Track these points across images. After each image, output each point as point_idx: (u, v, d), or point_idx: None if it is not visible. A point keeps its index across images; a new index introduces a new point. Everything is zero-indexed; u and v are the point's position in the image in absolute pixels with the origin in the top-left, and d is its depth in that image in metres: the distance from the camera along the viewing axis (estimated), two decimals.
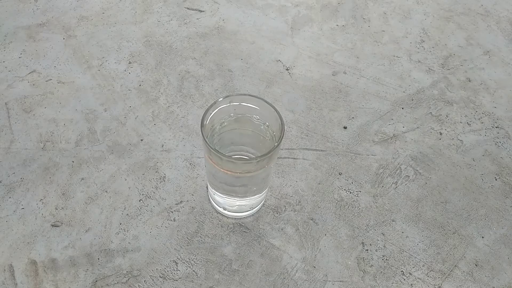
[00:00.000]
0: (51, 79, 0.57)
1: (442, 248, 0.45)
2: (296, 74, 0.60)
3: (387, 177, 0.50)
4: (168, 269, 0.42)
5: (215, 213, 0.46)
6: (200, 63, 0.60)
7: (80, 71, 0.58)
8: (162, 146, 0.51)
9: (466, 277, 0.43)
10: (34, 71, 0.58)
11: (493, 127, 0.56)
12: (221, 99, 0.38)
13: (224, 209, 0.45)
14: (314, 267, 0.43)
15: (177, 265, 0.42)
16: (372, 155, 0.52)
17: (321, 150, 0.52)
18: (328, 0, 0.71)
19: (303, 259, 0.43)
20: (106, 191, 0.47)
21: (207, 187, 0.47)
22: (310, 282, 0.42)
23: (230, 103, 0.39)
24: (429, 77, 0.61)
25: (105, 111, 0.54)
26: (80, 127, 0.52)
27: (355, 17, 0.69)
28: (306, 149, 0.52)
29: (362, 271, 0.43)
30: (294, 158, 0.51)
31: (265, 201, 0.47)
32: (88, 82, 0.57)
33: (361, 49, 0.64)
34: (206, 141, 0.36)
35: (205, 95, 0.56)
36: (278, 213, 0.46)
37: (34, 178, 0.48)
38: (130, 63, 0.60)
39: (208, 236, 0.44)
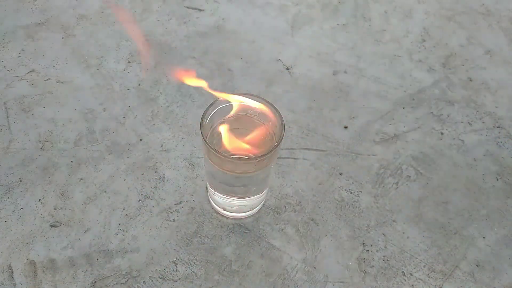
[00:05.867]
0: (50, 79, 0.57)
1: (443, 249, 0.45)
2: (296, 74, 0.60)
3: (388, 177, 0.50)
4: (168, 270, 0.42)
5: (215, 214, 0.46)
6: (200, 62, 0.60)
7: (79, 71, 0.58)
8: (162, 146, 0.51)
9: (467, 278, 0.43)
10: (32, 70, 0.57)
11: (494, 127, 0.56)
12: (221, 98, 0.38)
13: (224, 209, 0.44)
14: (315, 267, 0.43)
15: (176, 266, 0.42)
16: (373, 155, 0.52)
17: (322, 150, 0.51)
18: None
19: (304, 259, 0.43)
20: (105, 191, 0.47)
21: (206, 187, 0.47)
22: (311, 283, 0.42)
23: (230, 102, 0.38)
24: (430, 76, 0.61)
25: (104, 110, 0.54)
26: (79, 126, 0.52)
27: (355, 16, 0.68)
28: (307, 149, 0.51)
29: (363, 272, 0.43)
30: (294, 158, 0.51)
31: (265, 202, 0.47)
32: (87, 81, 0.57)
33: (362, 48, 0.64)
34: (205, 141, 0.35)
35: (205, 94, 0.56)
36: (278, 214, 0.46)
37: (33, 178, 0.47)
38: (129, 62, 0.59)
39: (207, 237, 0.44)
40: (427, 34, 0.67)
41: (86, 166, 0.49)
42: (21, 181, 0.47)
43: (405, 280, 0.43)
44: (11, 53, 0.59)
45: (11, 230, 0.44)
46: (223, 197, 0.42)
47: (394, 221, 0.46)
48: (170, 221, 0.45)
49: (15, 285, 0.40)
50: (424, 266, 0.43)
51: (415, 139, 0.54)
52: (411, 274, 0.43)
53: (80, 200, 0.46)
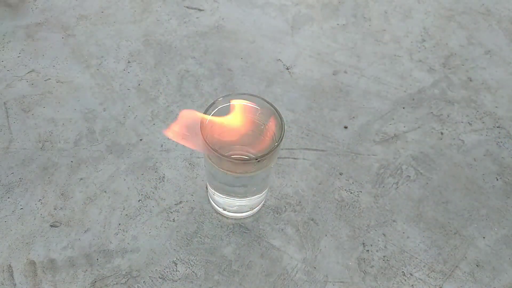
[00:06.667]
0: (50, 79, 0.57)
1: (443, 249, 0.45)
2: (296, 74, 0.60)
3: (388, 177, 0.50)
4: (168, 270, 0.42)
5: (215, 214, 0.46)
6: (200, 62, 0.60)
7: (79, 71, 0.58)
8: (162, 146, 0.51)
9: (467, 278, 0.43)
10: (32, 70, 0.57)
11: (494, 127, 0.56)
12: (220, 98, 0.38)
13: (224, 209, 0.44)
14: (315, 267, 0.43)
15: (176, 266, 0.42)
16: (373, 155, 0.52)
17: (322, 150, 0.51)
18: None
19: (304, 259, 0.43)
20: (105, 191, 0.47)
21: (206, 188, 0.47)
22: (311, 283, 0.42)
23: (230, 102, 0.38)
24: (430, 76, 0.61)
25: (104, 110, 0.54)
26: (79, 126, 0.52)
27: (355, 16, 0.68)
28: (307, 149, 0.51)
29: (363, 272, 0.43)
30: (294, 158, 0.51)
31: (265, 202, 0.47)
32: (87, 81, 0.57)
33: (362, 48, 0.64)
34: (205, 141, 0.35)
35: (205, 94, 0.56)
36: (278, 214, 0.46)
37: (33, 178, 0.47)
38: (129, 62, 0.59)
39: (207, 237, 0.44)
40: (427, 34, 0.67)
41: (86, 166, 0.49)
42: (21, 181, 0.47)
43: (405, 280, 0.43)
44: (11, 53, 0.59)
45: (11, 230, 0.44)
46: (223, 197, 0.42)
47: (394, 221, 0.46)
48: (170, 221, 0.45)
49: (15, 285, 0.40)
50: (424, 266, 0.43)
51: (415, 139, 0.54)
52: (411, 274, 0.43)
53: (80, 200, 0.46)
